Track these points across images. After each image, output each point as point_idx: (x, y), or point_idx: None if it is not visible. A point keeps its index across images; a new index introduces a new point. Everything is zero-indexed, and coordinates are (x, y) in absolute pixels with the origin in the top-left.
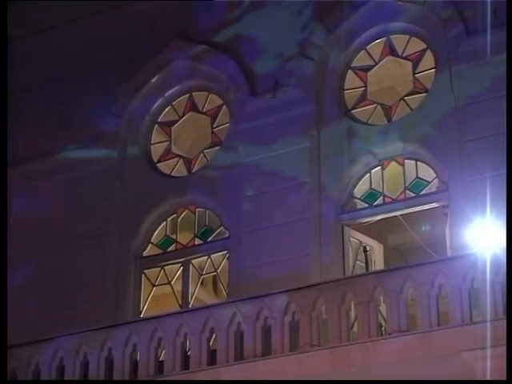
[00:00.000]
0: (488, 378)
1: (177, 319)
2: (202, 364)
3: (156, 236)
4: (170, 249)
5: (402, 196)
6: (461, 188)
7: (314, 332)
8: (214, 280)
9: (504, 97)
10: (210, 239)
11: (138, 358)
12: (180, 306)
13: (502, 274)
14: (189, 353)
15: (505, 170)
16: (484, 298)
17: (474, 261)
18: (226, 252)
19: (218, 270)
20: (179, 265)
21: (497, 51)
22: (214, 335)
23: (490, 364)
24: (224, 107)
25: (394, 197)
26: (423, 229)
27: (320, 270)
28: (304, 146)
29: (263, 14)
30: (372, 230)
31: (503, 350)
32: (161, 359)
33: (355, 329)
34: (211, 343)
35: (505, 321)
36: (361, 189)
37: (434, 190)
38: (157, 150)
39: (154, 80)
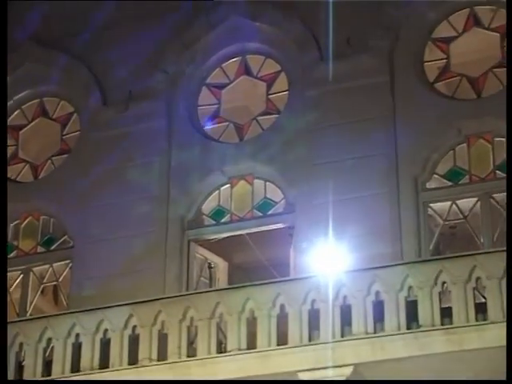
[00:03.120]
0: None
1: (13, 328)
2: (36, 375)
3: None
4: (10, 255)
5: (249, 215)
6: (307, 210)
7: (153, 346)
8: (55, 289)
9: (352, 122)
10: (53, 248)
11: None
12: (17, 314)
13: (342, 296)
14: (23, 363)
15: (348, 196)
16: (323, 319)
17: (315, 283)
18: (68, 261)
19: (60, 280)
20: (19, 272)
21: (348, 78)
22: (51, 346)
23: None
24: (75, 115)
25: (241, 215)
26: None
27: (164, 285)
28: (154, 160)
29: (120, 24)
30: (218, 247)
31: (341, 371)
32: None
33: (196, 345)
34: (47, 354)
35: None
36: (209, 205)
37: (280, 210)
38: None
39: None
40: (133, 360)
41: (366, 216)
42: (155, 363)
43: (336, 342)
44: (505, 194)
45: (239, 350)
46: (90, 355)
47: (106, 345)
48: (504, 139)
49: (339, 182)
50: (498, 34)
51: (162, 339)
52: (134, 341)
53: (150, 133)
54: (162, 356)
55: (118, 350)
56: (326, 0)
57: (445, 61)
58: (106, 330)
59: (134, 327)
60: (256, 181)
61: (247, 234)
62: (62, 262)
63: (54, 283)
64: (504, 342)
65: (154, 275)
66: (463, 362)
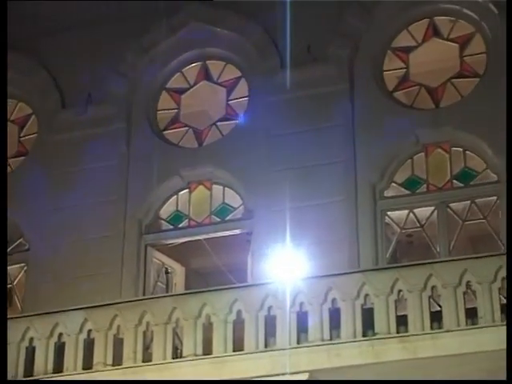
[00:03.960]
0: None
1: None
2: None
3: None
4: None
5: (207, 220)
6: (265, 217)
7: (108, 351)
8: (10, 292)
9: (312, 130)
10: (8, 250)
11: None
12: None
13: (299, 303)
14: None
15: (306, 203)
16: (280, 326)
17: (272, 289)
18: (24, 265)
19: (14, 283)
20: None
21: (308, 85)
22: None
23: None
24: (33, 117)
25: (199, 220)
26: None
27: (120, 289)
28: (112, 163)
29: (80, 27)
30: (175, 252)
31: (297, 377)
32: None
33: (151, 350)
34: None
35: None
36: (167, 210)
37: (239, 216)
38: None
39: None
40: (87, 364)
41: (323, 223)
42: (110, 368)
43: (292, 348)
44: (461, 203)
45: (195, 355)
46: (43, 359)
47: (60, 349)
48: (461, 149)
49: (298, 189)
50: (457, 45)
51: (118, 344)
52: (88, 345)
53: (109, 136)
54: (117, 361)
55: (73, 355)
56: (286, 7)
57: (404, 70)
58: (60, 334)
59: (89, 331)
60: (214, 186)
61: (205, 239)
62: (17, 265)
63: (9, 286)
64: (459, 350)
65: (111, 279)
66: (418, 370)
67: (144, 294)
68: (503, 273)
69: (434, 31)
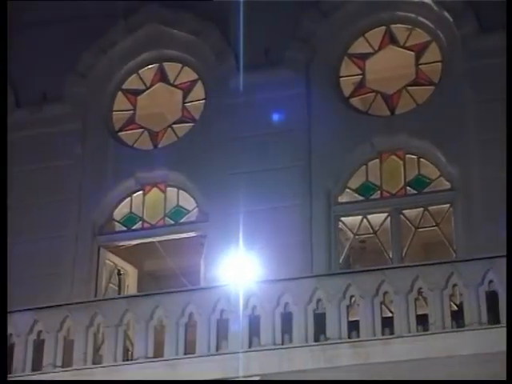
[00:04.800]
0: None
1: None
2: None
3: None
4: None
5: (161, 222)
6: (219, 220)
7: (58, 352)
8: None
9: (267, 134)
10: None
11: None
12: None
13: (251, 306)
14: None
15: (261, 207)
16: (232, 329)
17: (225, 292)
18: None
19: None
20: None
21: (265, 89)
22: None
23: None
24: None
25: (153, 222)
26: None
27: (71, 290)
28: (67, 163)
29: (36, 25)
30: (128, 254)
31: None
32: None
33: (102, 352)
34: None
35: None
36: (121, 212)
37: (193, 219)
38: None
39: None
40: (37, 366)
41: (278, 227)
42: (59, 370)
43: (244, 352)
44: (414, 210)
45: (146, 357)
46: None
47: (10, 350)
48: (415, 157)
49: (253, 193)
50: (413, 53)
51: (68, 345)
52: (38, 346)
53: (64, 136)
54: (67, 362)
55: (22, 356)
56: (243, 10)
57: (360, 77)
58: (10, 335)
59: (39, 332)
60: (169, 188)
61: (158, 241)
62: None
63: None
64: (409, 356)
65: (62, 280)
66: (369, 375)
67: (96, 296)
68: (454, 279)
69: (391, 39)
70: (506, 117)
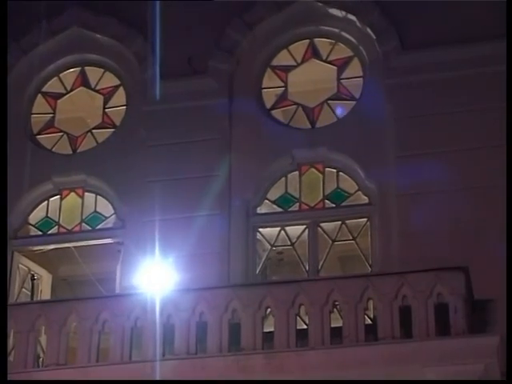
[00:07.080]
0: None
1: None
2: None
3: None
4: None
5: (78, 228)
6: (137, 227)
7: None
8: None
9: (188, 142)
10: None
11: None
12: None
13: (167, 315)
14: None
15: (179, 215)
16: (146, 337)
17: (140, 300)
18: None
19: None
20: None
21: (187, 97)
22: None
23: None
24: None
25: (69, 228)
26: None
27: None
28: None
29: None
30: (43, 259)
31: None
32: None
33: (12, 358)
34: None
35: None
36: (37, 216)
37: (110, 225)
38: None
39: None
40: None
41: (195, 236)
42: None
43: (157, 360)
44: (332, 223)
45: (57, 364)
46: None
47: None
48: (334, 170)
49: (171, 201)
50: (335, 67)
51: None
52: None
53: None
54: None
55: None
56: (169, 18)
57: (282, 89)
58: None
59: None
60: (87, 194)
61: (74, 247)
62: None
63: None
64: (323, 368)
65: None
66: None
67: (7, 301)
68: (369, 293)
69: (314, 52)
70: (464, 129)
